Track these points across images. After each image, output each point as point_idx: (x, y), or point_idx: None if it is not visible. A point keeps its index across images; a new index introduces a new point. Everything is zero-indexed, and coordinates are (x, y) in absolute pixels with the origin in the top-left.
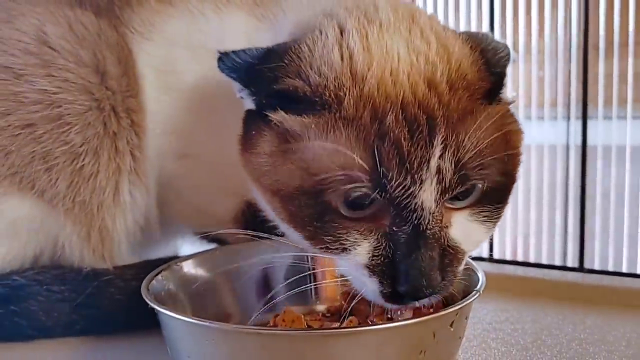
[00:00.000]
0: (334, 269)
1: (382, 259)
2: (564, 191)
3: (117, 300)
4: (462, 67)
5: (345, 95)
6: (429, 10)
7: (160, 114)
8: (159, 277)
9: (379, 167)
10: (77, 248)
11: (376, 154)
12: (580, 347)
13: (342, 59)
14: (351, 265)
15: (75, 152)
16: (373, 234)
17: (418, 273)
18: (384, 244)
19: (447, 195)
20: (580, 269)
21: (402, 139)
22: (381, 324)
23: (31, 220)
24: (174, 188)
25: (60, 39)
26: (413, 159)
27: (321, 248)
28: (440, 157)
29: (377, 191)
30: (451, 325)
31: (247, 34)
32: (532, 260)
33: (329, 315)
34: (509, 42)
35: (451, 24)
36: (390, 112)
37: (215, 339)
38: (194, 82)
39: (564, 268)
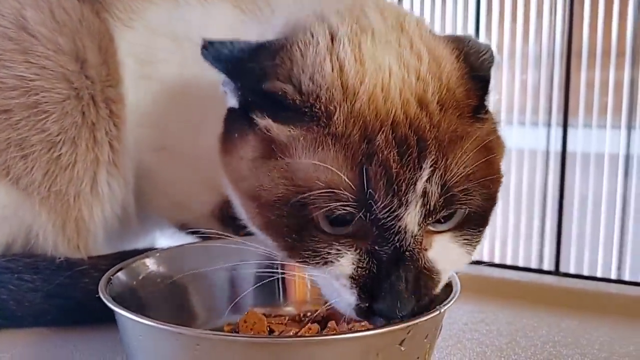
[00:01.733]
0: (303, 273)
1: (366, 271)
2: (542, 196)
3: (90, 291)
4: (451, 84)
5: (336, 110)
6: (416, 11)
7: (138, 104)
8: (119, 274)
9: (365, 188)
10: (52, 238)
11: (364, 175)
12: (554, 349)
13: (332, 69)
14: (332, 276)
15: (52, 141)
16: (354, 248)
17: (395, 294)
18: (367, 258)
19: (430, 219)
20: (556, 272)
21: (392, 160)
22: (314, 336)
23: (5, 207)
24: (151, 180)
25: (40, 25)
26: (401, 181)
27: (300, 260)
28: (428, 180)
29: (362, 211)
30: (401, 344)
31: (232, 26)
32: (508, 262)
33: (304, 318)
34: (494, 46)
35: (437, 28)
36: (380, 132)
37: (166, 341)
38: (175, 73)
39: (540, 271)
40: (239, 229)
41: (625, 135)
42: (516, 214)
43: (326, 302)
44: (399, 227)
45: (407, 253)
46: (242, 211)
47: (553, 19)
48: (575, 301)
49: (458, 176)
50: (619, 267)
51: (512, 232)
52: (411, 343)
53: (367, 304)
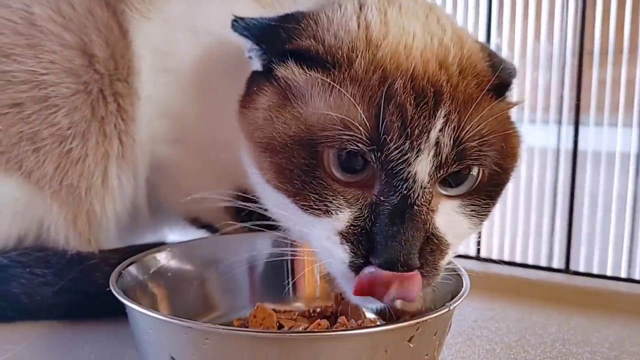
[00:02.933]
0: (313, 267)
1: (359, 229)
2: (552, 194)
3: (101, 285)
4: (473, 57)
5: (357, 57)
6: None
7: (155, 97)
8: (130, 268)
9: (380, 126)
10: (63, 231)
11: (379, 114)
12: (564, 347)
13: (358, 27)
14: (324, 232)
15: (63, 135)
16: (358, 202)
17: (397, 245)
18: (365, 215)
19: (441, 172)
20: (566, 270)
21: (408, 104)
22: (323, 331)
23: (17, 201)
24: (166, 173)
25: (47, 21)
26: (415, 125)
27: (304, 205)
28: (441, 130)
29: (373, 150)
30: (410, 341)
31: None
32: (518, 260)
33: (313, 314)
34: (505, 45)
35: None
36: (399, 79)
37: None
38: (192, 65)
39: (549, 269)
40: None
41: (637, 134)
42: (526, 211)
43: (336, 297)
44: (409, 173)
45: (415, 207)
46: (255, 171)
47: (565, 16)
48: (585, 299)
49: (471, 132)
50: (629, 266)
51: (522, 230)
52: (420, 340)
53: (362, 261)
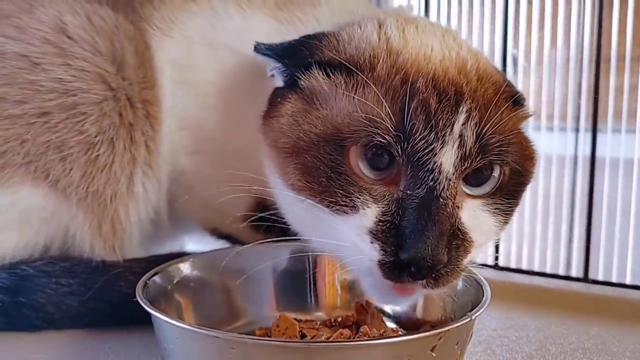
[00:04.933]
0: (334, 277)
1: (387, 224)
2: (570, 201)
3: (125, 294)
4: (489, 69)
5: (379, 62)
6: (442, 21)
7: (175, 108)
8: (155, 277)
9: (405, 119)
10: (88, 238)
11: (404, 108)
12: (585, 356)
13: (379, 39)
14: (353, 229)
15: (91, 142)
16: (385, 198)
17: (426, 239)
18: (393, 209)
19: (465, 164)
20: (585, 279)
21: (431, 99)
22: (348, 341)
23: (43, 209)
24: (185, 183)
25: (78, 28)
26: (439, 118)
27: (330, 202)
28: (464, 124)
29: (399, 141)
30: (433, 350)
31: (268, 35)
32: (536, 269)
33: (335, 324)
34: (521, 52)
35: (464, 34)
36: (420, 78)
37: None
38: (212, 79)
39: (567, 278)
40: (268, 232)
41: None
42: (544, 220)
43: (357, 306)
44: (435, 163)
45: (441, 199)
46: (278, 179)
47: (581, 24)
48: (605, 308)
49: (492, 128)
50: None
51: (540, 238)
52: (442, 349)
53: (391, 259)
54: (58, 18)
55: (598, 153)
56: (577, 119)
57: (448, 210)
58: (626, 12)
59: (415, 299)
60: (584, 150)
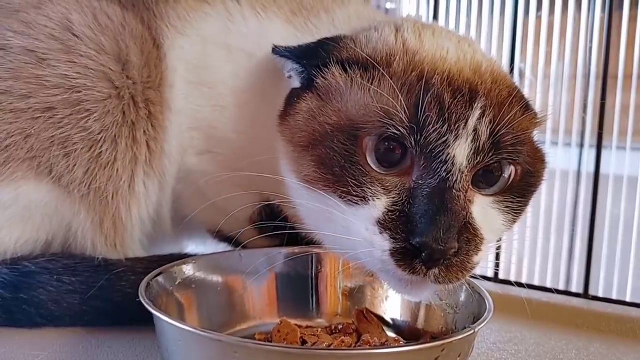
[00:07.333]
0: (336, 283)
1: (397, 213)
2: (572, 217)
3: (127, 294)
4: (503, 74)
5: (396, 59)
6: None
7: (187, 108)
8: (158, 278)
9: (419, 112)
10: (90, 235)
11: (419, 102)
12: None
13: (396, 41)
14: (362, 223)
15: (94, 139)
16: (396, 188)
17: (437, 223)
18: (403, 199)
19: (478, 159)
20: (585, 295)
21: (445, 94)
22: (352, 349)
23: (46, 205)
24: (193, 184)
25: (84, 26)
26: (452, 112)
27: (343, 192)
28: (479, 119)
29: (413, 132)
30: None
31: (284, 39)
32: (536, 283)
33: (336, 331)
34: (529, 66)
35: None
36: (436, 75)
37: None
38: (225, 81)
39: (568, 293)
40: (273, 238)
41: None
42: (546, 234)
43: (357, 314)
44: (448, 155)
45: (454, 191)
46: (292, 174)
47: (589, 40)
48: (605, 325)
49: (506, 127)
50: None
51: (541, 252)
52: None
53: (403, 245)
54: (65, 15)
55: (602, 169)
56: (582, 134)
57: (460, 202)
58: (635, 29)
59: (428, 297)
60: (588, 166)
